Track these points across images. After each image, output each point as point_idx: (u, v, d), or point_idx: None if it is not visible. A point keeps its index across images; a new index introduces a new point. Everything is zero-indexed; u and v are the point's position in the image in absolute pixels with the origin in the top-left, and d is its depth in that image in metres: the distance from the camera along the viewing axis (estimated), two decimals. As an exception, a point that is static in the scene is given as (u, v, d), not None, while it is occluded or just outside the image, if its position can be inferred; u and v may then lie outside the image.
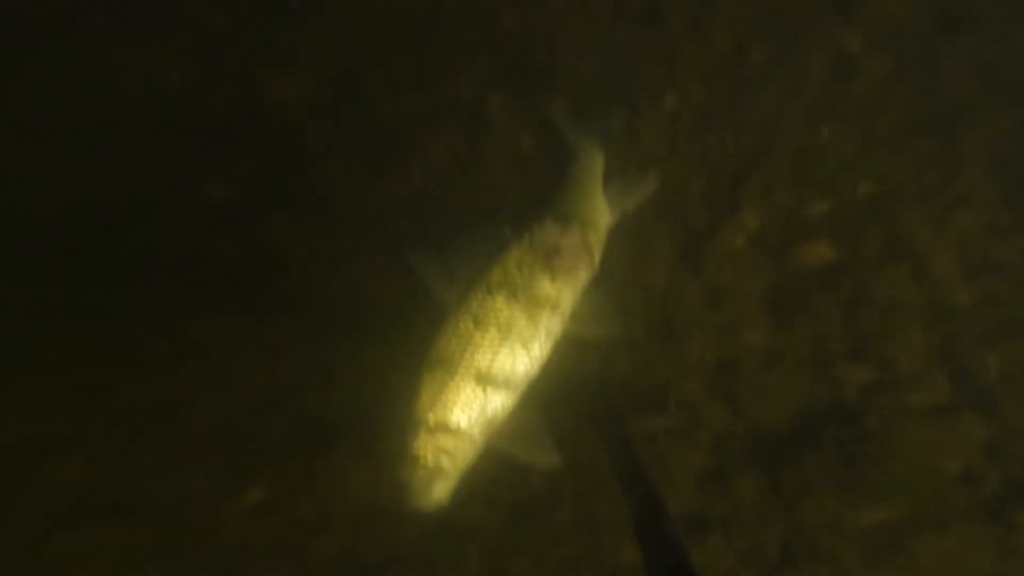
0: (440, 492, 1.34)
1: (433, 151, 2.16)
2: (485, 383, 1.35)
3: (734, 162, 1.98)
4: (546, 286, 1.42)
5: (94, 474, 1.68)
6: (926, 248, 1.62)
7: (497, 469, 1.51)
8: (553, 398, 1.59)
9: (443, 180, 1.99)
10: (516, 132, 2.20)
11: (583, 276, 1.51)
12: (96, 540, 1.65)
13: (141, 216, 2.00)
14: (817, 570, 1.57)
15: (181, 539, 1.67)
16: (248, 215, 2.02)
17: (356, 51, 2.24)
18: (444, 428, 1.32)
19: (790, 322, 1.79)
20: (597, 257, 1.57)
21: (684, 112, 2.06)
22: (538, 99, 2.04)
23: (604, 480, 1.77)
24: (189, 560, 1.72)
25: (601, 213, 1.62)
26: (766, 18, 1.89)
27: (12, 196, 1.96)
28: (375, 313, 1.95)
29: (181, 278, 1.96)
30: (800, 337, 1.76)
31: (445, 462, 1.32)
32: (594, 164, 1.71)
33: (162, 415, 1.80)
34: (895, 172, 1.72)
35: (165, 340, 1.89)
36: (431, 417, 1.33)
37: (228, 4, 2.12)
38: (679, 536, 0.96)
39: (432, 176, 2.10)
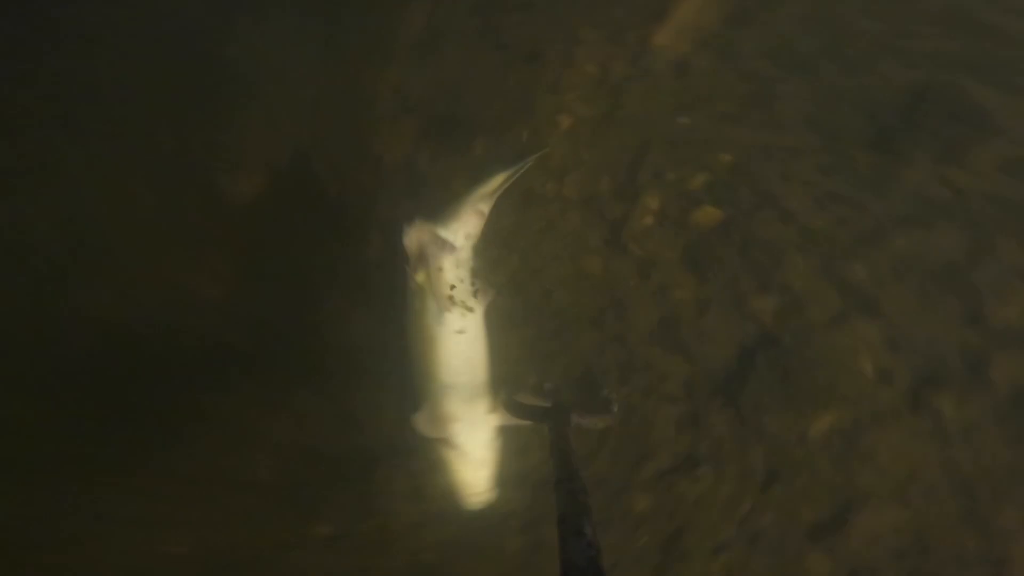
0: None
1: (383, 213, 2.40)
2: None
3: (627, 158, 2.36)
4: (419, 279, 1.77)
5: (202, 546, 1.92)
6: (781, 193, 2.03)
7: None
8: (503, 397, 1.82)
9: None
10: (450, 178, 2.49)
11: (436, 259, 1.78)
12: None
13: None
14: (801, 479, 1.75)
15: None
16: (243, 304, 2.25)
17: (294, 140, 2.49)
18: None
19: (706, 274, 2.09)
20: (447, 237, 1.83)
21: (579, 128, 2.45)
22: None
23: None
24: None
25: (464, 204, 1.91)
26: (616, 42, 2.36)
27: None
28: (370, 357, 2.11)
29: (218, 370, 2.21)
30: (717, 285, 2.06)
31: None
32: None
33: (227, 480, 2.04)
34: (741, 141, 2.16)
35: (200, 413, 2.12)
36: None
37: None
38: (595, 536, 1.03)
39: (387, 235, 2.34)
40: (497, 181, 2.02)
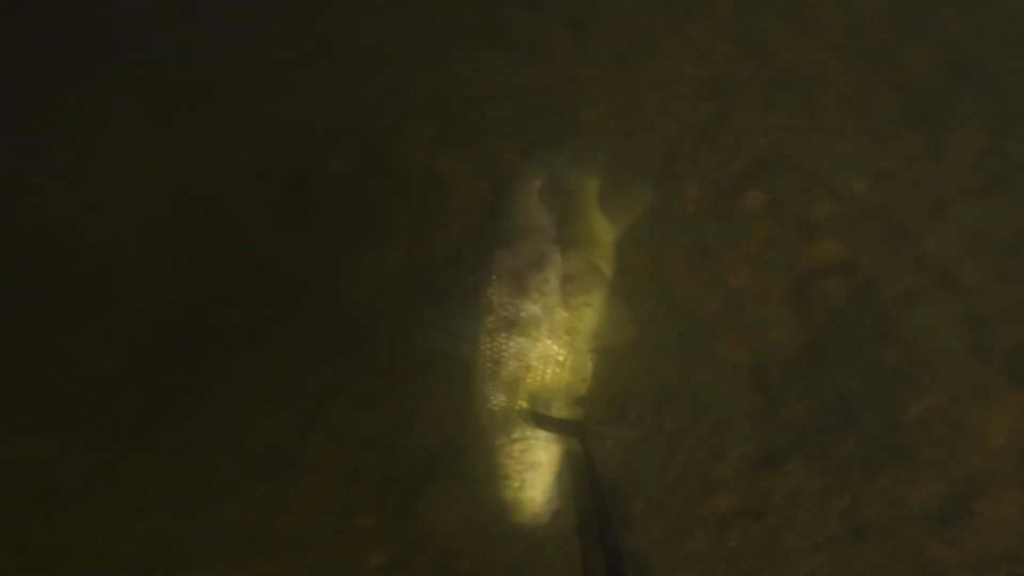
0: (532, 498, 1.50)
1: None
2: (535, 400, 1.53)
3: (658, 148, 2.24)
4: (531, 307, 1.55)
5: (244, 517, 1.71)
6: (828, 173, 1.95)
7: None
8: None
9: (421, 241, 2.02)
10: (474, 182, 2.29)
11: (591, 294, 1.63)
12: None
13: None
14: (904, 468, 1.54)
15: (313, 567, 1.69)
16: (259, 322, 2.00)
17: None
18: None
19: (761, 259, 1.94)
20: (606, 270, 1.70)
21: (602, 120, 2.33)
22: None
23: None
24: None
25: (601, 231, 1.74)
26: (634, 32, 2.28)
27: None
28: (426, 358, 1.82)
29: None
30: (774, 269, 1.92)
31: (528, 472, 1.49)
32: (585, 188, 1.80)
33: (279, 462, 1.80)
34: (777, 125, 2.10)
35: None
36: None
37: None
38: (618, 544, 1.02)
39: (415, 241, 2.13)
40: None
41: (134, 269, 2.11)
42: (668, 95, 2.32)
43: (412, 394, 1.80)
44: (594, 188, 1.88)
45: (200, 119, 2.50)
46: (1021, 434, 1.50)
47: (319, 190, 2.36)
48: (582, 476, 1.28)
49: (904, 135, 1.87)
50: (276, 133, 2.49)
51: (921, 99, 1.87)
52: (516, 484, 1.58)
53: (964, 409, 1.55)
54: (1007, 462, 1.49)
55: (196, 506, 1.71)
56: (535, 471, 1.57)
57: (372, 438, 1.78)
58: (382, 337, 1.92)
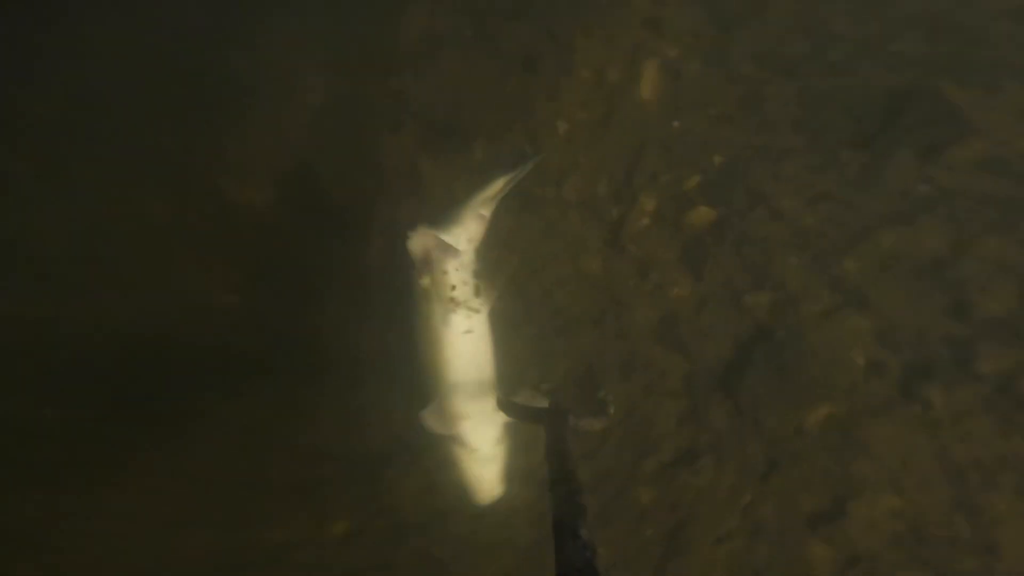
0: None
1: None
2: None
3: (623, 162, 2.42)
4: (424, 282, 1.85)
5: (218, 546, 1.99)
6: (772, 192, 2.09)
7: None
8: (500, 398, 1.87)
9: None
10: (451, 182, 2.55)
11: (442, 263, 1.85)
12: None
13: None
14: (799, 470, 1.79)
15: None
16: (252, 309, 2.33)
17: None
18: None
19: (702, 273, 2.15)
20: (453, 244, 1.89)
21: (576, 132, 2.52)
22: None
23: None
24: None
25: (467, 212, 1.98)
26: (610, 48, 2.43)
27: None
28: (377, 357, 2.14)
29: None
30: (713, 283, 2.12)
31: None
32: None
33: (241, 478, 2.11)
34: (734, 142, 2.23)
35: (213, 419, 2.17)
36: None
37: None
38: (592, 538, 1.00)
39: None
40: (497, 186, 2.08)
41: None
42: (640, 113, 2.46)
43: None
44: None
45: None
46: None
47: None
48: (553, 466, 1.25)
49: (844, 156, 1.98)
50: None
51: (866, 122, 1.96)
52: (470, 465, 1.89)
53: (857, 419, 1.74)
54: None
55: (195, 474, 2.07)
56: (488, 455, 1.89)
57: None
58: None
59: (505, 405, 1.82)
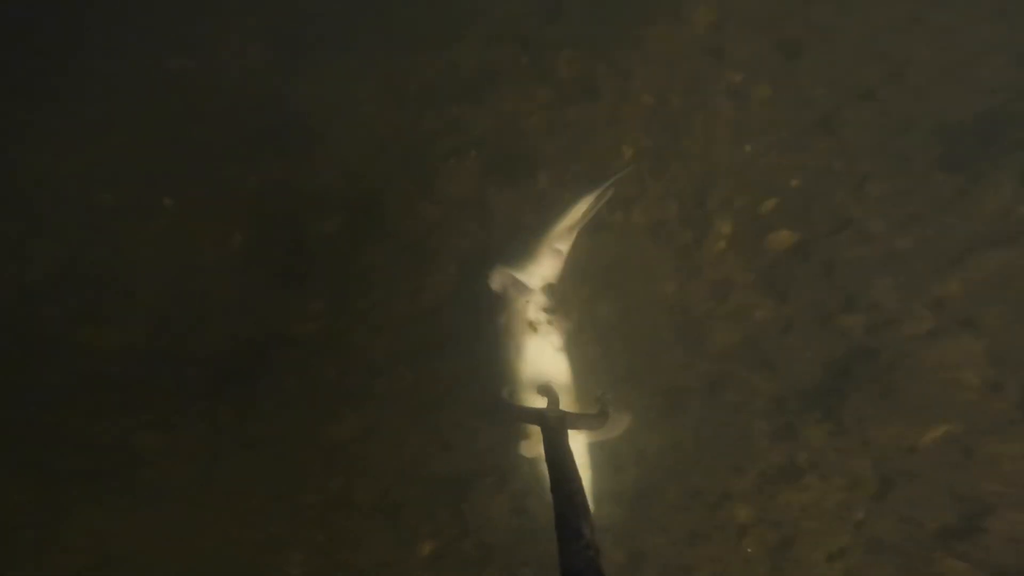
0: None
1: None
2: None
3: (693, 186, 2.43)
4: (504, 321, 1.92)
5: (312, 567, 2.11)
6: (859, 214, 2.07)
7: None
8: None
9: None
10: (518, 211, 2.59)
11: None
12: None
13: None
14: (917, 488, 1.72)
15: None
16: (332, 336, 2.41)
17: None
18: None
19: (786, 295, 2.12)
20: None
21: (641, 157, 2.54)
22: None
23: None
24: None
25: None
26: (669, 73, 2.47)
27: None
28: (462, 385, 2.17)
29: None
30: (798, 304, 2.08)
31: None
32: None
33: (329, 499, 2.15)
34: (811, 166, 2.23)
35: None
36: None
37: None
38: (595, 537, 1.00)
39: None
40: (574, 217, 2.09)
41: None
42: (709, 138, 2.49)
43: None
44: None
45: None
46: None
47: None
48: (552, 468, 1.25)
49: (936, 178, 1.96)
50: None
51: (956, 146, 1.95)
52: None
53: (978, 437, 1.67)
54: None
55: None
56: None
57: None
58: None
59: (502, 406, 1.76)
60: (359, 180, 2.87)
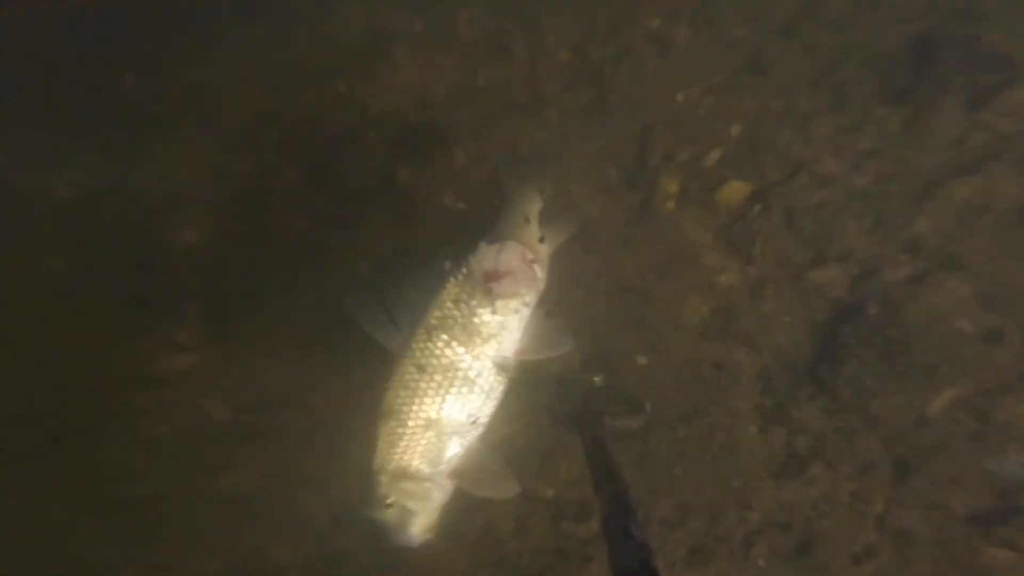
0: (417, 529, 1.36)
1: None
2: (437, 429, 1.33)
3: (630, 144, 2.08)
4: (487, 318, 1.37)
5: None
6: (810, 156, 1.83)
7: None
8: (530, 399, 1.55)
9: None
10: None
11: (527, 296, 1.42)
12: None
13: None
14: (935, 465, 1.40)
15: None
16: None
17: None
18: (404, 475, 1.33)
19: (750, 255, 1.79)
20: (541, 276, 1.49)
21: (568, 119, 2.16)
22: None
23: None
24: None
25: (536, 242, 1.56)
26: (582, 24, 2.13)
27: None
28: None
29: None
30: (765, 264, 1.76)
31: (412, 504, 1.34)
32: (529, 201, 1.64)
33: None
34: (748, 111, 1.97)
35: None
36: (390, 466, 1.34)
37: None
38: (645, 536, 0.98)
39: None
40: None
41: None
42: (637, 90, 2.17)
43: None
44: (535, 205, 1.65)
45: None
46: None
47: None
48: (595, 469, 1.23)
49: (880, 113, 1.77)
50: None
51: (892, 75, 1.78)
52: (396, 513, 1.38)
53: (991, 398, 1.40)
54: None
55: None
56: (420, 506, 1.38)
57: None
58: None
59: (550, 413, 1.58)
60: (229, 178, 2.17)
